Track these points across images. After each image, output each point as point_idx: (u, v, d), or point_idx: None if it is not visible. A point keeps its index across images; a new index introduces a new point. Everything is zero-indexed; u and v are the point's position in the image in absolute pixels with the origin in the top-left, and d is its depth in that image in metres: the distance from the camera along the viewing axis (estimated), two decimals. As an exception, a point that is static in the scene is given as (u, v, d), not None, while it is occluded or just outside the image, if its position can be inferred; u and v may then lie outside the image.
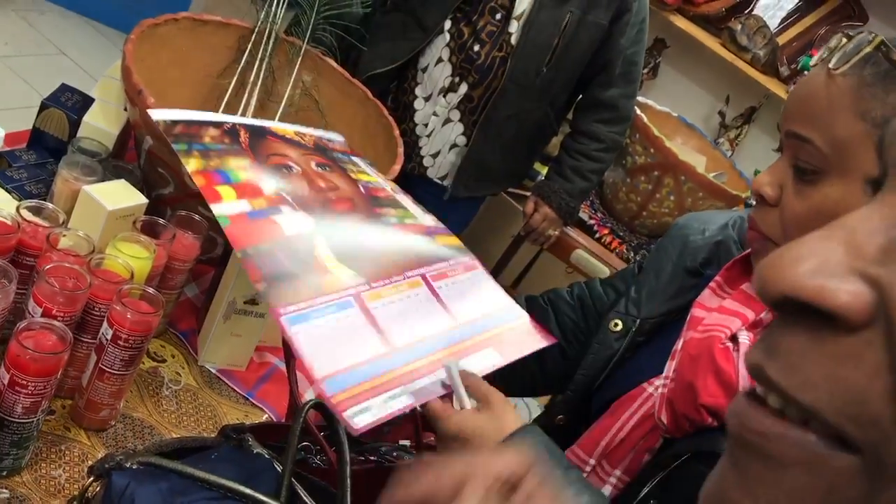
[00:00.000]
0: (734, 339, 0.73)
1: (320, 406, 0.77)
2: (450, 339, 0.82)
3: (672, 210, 2.18)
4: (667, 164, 2.13)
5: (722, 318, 0.74)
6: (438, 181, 1.87)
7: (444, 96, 1.77)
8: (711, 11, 2.66)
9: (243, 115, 1.22)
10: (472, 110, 1.77)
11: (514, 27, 1.69)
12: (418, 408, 0.94)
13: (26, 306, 0.82)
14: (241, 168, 0.78)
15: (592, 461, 0.83)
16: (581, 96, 1.88)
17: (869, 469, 0.25)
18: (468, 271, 0.92)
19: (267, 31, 1.30)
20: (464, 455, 0.50)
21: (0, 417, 0.76)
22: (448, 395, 0.76)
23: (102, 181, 1.02)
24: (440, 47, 1.75)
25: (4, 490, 0.79)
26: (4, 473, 0.80)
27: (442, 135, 1.82)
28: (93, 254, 0.89)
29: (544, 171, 2.08)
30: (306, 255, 0.75)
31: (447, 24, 1.73)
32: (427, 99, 1.80)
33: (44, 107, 1.18)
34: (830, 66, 0.64)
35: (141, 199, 1.01)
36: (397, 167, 1.21)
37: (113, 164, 1.11)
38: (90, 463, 0.77)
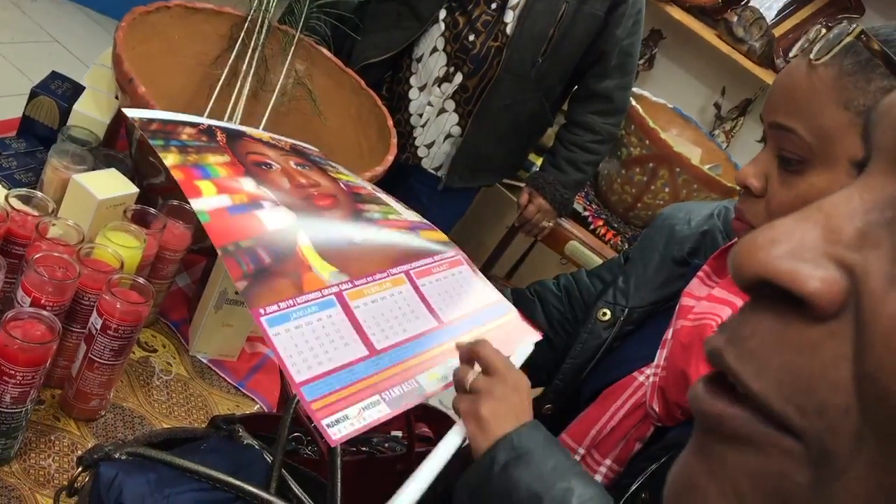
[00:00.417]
0: None
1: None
2: (434, 339, 0.80)
3: (667, 202, 2.18)
4: (662, 155, 2.13)
5: (712, 307, 0.75)
6: (433, 172, 1.87)
7: (439, 86, 1.77)
8: (708, 3, 2.65)
9: (235, 104, 1.22)
10: (467, 100, 1.77)
11: (509, 17, 1.68)
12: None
13: (15, 295, 0.81)
14: (221, 164, 0.77)
15: (582, 450, 0.83)
16: (576, 87, 1.88)
17: (812, 456, 0.24)
18: (453, 267, 0.91)
19: (260, 20, 1.29)
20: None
21: (-12, 407, 0.76)
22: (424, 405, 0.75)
23: (93, 170, 1.01)
24: (435, 37, 1.74)
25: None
26: (-7, 463, 0.80)
27: (436, 125, 1.81)
28: (82, 243, 0.88)
29: (539, 161, 2.07)
30: (288, 251, 0.73)
31: (442, 14, 1.72)
32: (422, 89, 1.79)
33: (33, 94, 1.17)
34: (811, 56, 0.65)
35: (131, 189, 1.00)
36: (391, 157, 1.21)
37: (103, 152, 1.10)
38: (80, 453, 0.76)
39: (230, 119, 1.19)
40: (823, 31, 0.64)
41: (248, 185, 0.77)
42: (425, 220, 0.97)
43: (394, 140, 1.26)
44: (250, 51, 1.27)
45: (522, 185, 2.01)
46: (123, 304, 0.83)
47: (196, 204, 0.71)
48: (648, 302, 0.85)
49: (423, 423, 0.96)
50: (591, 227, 2.29)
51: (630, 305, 0.85)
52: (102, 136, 1.14)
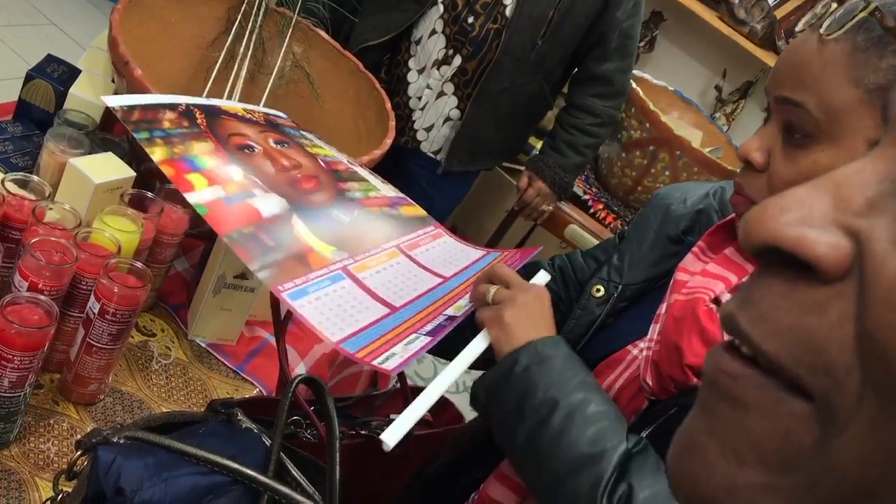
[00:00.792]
0: (717, 301, 0.73)
1: (310, 380, 0.77)
2: (444, 289, 0.86)
3: (667, 185, 2.17)
4: (662, 138, 2.12)
5: (706, 282, 0.75)
6: (432, 155, 1.86)
7: (438, 69, 1.75)
8: (709, -16, 2.63)
9: (233, 87, 1.21)
10: (466, 83, 1.75)
11: (508, -1, 1.66)
12: (408, 381, 0.95)
13: (12, 280, 0.81)
14: (206, 153, 0.79)
15: None
16: (576, 70, 1.87)
17: (820, 415, 0.25)
18: (436, 239, 0.97)
19: (257, 2, 1.27)
20: None
21: (-13, 392, 0.76)
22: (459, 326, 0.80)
23: (89, 154, 1.01)
24: (434, 19, 1.72)
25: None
26: (-8, 447, 0.80)
27: (435, 108, 1.80)
28: (79, 227, 0.88)
29: (539, 145, 2.06)
30: (288, 236, 0.76)
31: (441, -5, 1.70)
32: (420, 71, 1.78)
33: (29, 78, 1.16)
34: (822, 31, 0.64)
35: (129, 173, 1.00)
36: (389, 141, 1.20)
37: (100, 136, 1.10)
38: (79, 437, 0.76)
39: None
40: (834, 4, 0.63)
41: (235, 173, 0.79)
42: (402, 195, 1.01)
43: (392, 123, 1.25)
44: (247, 33, 1.26)
45: (522, 168, 2.00)
46: (121, 289, 0.82)
47: (191, 198, 0.72)
48: (642, 279, 0.86)
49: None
50: (591, 210, 2.28)
51: (624, 282, 0.86)
52: (99, 119, 1.14)
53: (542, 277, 0.87)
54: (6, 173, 0.92)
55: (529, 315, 0.76)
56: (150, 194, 0.98)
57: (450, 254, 0.95)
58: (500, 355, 0.74)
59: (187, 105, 0.84)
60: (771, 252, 0.26)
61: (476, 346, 0.76)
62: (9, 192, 0.87)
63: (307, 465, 0.73)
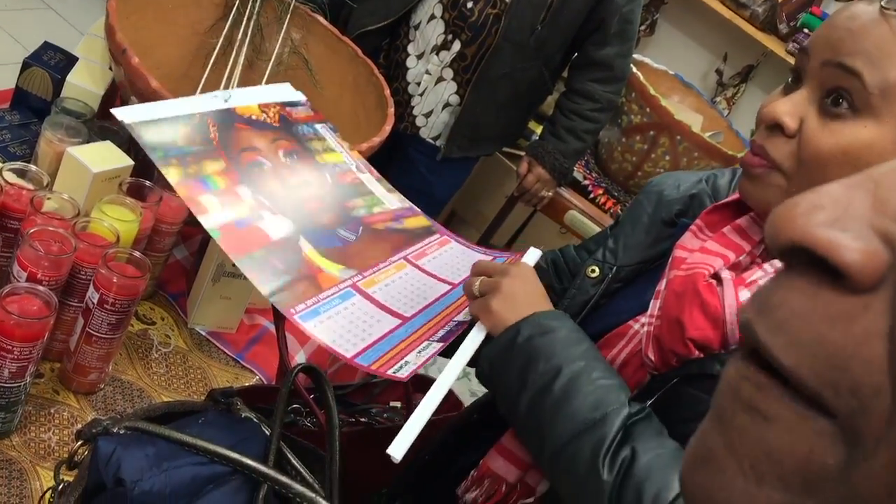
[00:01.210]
0: (717, 277, 0.73)
1: (309, 369, 0.77)
2: (453, 296, 0.88)
3: (667, 170, 2.16)
4: (662, 123, 2.11)
5: (704, 258, 0.75)
6: (431, 141, 1.85)
7: (437, 54, 1.75)
8: (710, -33, 2.61)
9: (231, 73, 1.20)
10: (466, 69, 1.75)
11: (508, -17, 1.65)
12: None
13: (11, 270, 0.81)
14: (219, 173, 0.80)
15: None
16: (576, 55, 1.85)
17: (846, 438, 0.23)
18: (442, 246, 0.98)
19: (254, -13, 1.27)
20: None
21: (-13, 382, 0.76)
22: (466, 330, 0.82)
23: (87, 142, 1.00)
24: (433, 4, 1.71)
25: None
26: (-6, 437, 0.80)
27: (435, 94, 1.79)
28: (78, 217, 0.88)
29: (539, 130, 2.06)
30: (296, 258, 0.78)
31: (440, -20, 1.69)
32: (419, 57, 1.77)
33: (26, 66, 1.15)
34: (884, 3, 0.61)
35: (127, 161, 0.99)
36: (388, 127, 1.20)
37: (98, 125, 1.09)
38: (79, 426, 0.77)
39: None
40: None
41: (245, 194, 0.80)
42: (407, 204, 1.01)
43: (391, 109, 1.24)
44: (245, 19, 1.26)
45: (522, 153, 2.00)
46: (120, 279, 0.82)
47: (205, 222, 0.73)
48: (636, 261, 0.86)
49: (422, 394, 0.96)
50: (591, 195, 2.28)
51: (619, 264, 0.86)
52: (97, 107, 1.13)
53: (533, 254, 0.88)
54: (4, 162, 0.92)
55: (515, 296, 0.77)
56: (148, 183, 0.97)
57: (457, 260, 0.96)
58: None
59: (200, 116, 0.83)
60: (798, 253, 0.24)
61: (472, 340, 0.77)
62: (6, 181, 0.87)
63: (307, 454, 0.73)
